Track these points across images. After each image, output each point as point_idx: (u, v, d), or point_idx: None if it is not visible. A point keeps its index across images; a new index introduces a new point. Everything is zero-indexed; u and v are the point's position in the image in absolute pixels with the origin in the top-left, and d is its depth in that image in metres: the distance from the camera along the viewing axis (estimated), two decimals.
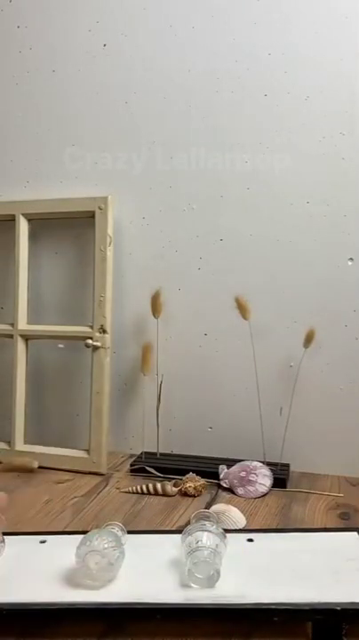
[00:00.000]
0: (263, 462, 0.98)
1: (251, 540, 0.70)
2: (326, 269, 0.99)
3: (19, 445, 1.09)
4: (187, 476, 0.94)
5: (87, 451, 1.04)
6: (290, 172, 0.98)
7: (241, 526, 0.80)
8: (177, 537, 0.66)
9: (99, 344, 1.03)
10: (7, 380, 1.10)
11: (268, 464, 0.98)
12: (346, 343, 0.99)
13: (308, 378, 1.00)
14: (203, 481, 0.94)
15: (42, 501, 0.91)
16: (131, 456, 1.09)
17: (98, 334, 1.03)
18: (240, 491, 0.93)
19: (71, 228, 1.11)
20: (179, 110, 1.03)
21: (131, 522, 0.84)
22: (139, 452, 1.07)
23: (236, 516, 0.81)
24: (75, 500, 0.92)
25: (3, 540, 0.67)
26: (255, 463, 0.97)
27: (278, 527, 0.82)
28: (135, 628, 0.57)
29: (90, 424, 1.04)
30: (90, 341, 1.02)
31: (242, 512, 0.83)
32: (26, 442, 1.10)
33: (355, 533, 0.71)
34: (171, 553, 0.65)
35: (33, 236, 1.12)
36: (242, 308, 0.98)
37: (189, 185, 1.04)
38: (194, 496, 0.91)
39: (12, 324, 1.09)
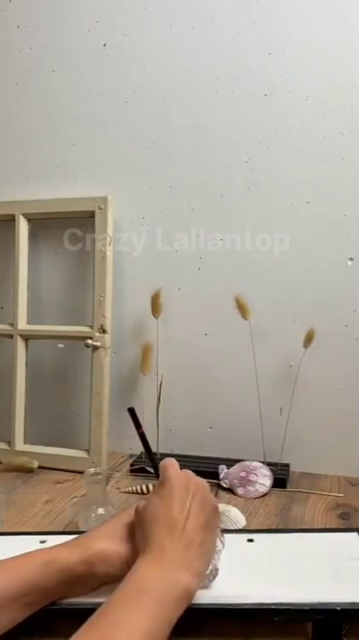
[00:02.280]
0: (263, 462, 0.98)
1: (251, 541, 0.70)
2: (326, 269, 0.98)
3: (19, 445, 1.09)
4: None
5: (87, 451, 1.04)
6: (290, 172, 0.98)
7: (241, 526, 0.80)
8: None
9: (99, 344, 1.03)
10: (7, 380, 1.10)
11: (268, 464, 0.98)
12: (346, 343, 0.99)
13: (308, 378, 1.00)
14: None
15: (42, 501, 0.91)
16: (131, 456, 1.09)
17: (98, 334, 1.03)
18: (240, 491, 0.93)
19: (71, 228, 1.11)
20: (179, 110, 1.03)
21: None
22: (139, 452, 1.07)
23: (236, 516, 0.81)
24: (75, 500, 0.92)
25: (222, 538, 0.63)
26: (255, 463, 0.97)
27: (278, 527, 0.82)
28: None
29: (90, 424, 1.04)
30: (90, 341, 1.02)
31: (242, 512, 0.83)
32: (26, 442, 1.10)
33: (355, 533, 0.71)
34: None
35: (33, 236, 1.12)
36: (242, 308, 0.97)
37: (189, 185, 1.04)
38: None
39: (12, 324, 1.09)
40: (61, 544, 0.60)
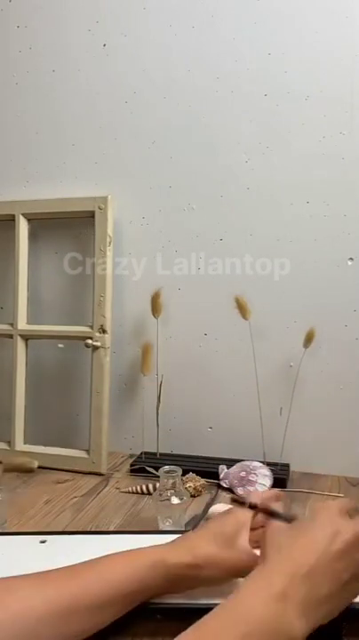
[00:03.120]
0: (263, 462, 0.98)
1: None
2: (326, 269, 0.98)
3: (19, 445, 1.09)
4: (187, 476, 0.94)
5: (87, 451, 1.04)
6: (290, 172, 0.98)
7: None
8: (177, 537, 0.66)
9: (98, 344, 1.03)
10: (7, 380, 1.10)
11: (268, 464, 0.98)
12: (346, 343, 0.99)
13: (308, 378, 1.00)
14: (203, 481, 0.94)
15: (42, 501, 0.91)
16: (131, 456, 1.09)
17: (98, 334, 1.03)
18: (240, 491, 0.93)
19: (71, 228, 1.11)
20: (179, 110, 1.03)
21: (131, 522, 0.84)
22: (138, 452, 1.07)
23: None
24: (75, 499, 0.92)
25: None
26: (255, 463, 0.97)
27: None
28: (135, 628, 0.57)
29: (90, 424, 1.04)
30: (90, 341, 1.02)
31: None
32: (26, 442, 1.10)
33: None
34: None
35: (33, 236, 1.12)
36: (242, 308, 0.97)
37: (189, 185, 1.04)
38: (194, 496, 0.91)
39: (12, 324, 1.09)
40: (167, 545, 0.59)
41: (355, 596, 0.50)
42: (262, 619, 0.42)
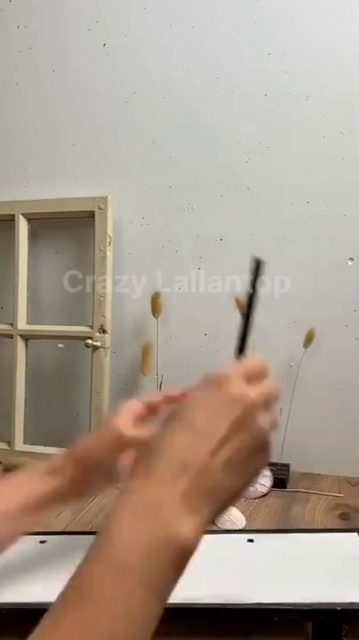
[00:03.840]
0: None
1: (251, 541, 0.70)
2: (326, 269, 0.98)
3: (19, 445, 1.08)
4: None
5: None
6: (290, 172, 0.98)
7: (241, 526, 0.80)
8: None
9: (98, 344, 1.02)
10: (7, 380, 1.10)
11: (268, 464, 0.98)
12: (346, 343, 0.99)
13: (308, 378, 1.00)
14: None
15: None
16: None
17: (98, 334, 1.03)
18: None
19: (71, 228, 1.11)
20: (179, 110, 1.03)
21: None
22: None
23: (236, 517, 0.81)
24: None
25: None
26: None
27: (278, 527, 0.82)
28: None
29: (90, 424, 1.04)
30: (90, 341, 1.02)
31: (242, 512, 0.83)
32: (26, 442, 1.10)
33: (355, 533, 0.71)
34: None
35: (33, 236, 1.12)
36: (242, 308, 0.97)
37: (189, 185, 1.04)
38: None
39: (12, 324, 1.09)
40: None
41: (258, 471, 0.45)
42: (135, 548, 0.35)
